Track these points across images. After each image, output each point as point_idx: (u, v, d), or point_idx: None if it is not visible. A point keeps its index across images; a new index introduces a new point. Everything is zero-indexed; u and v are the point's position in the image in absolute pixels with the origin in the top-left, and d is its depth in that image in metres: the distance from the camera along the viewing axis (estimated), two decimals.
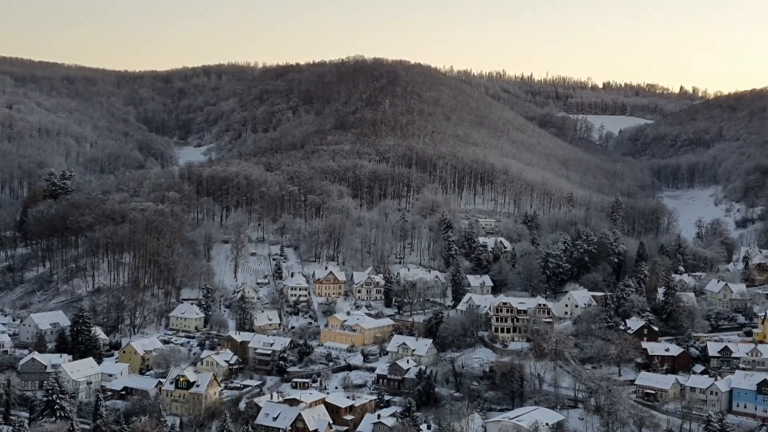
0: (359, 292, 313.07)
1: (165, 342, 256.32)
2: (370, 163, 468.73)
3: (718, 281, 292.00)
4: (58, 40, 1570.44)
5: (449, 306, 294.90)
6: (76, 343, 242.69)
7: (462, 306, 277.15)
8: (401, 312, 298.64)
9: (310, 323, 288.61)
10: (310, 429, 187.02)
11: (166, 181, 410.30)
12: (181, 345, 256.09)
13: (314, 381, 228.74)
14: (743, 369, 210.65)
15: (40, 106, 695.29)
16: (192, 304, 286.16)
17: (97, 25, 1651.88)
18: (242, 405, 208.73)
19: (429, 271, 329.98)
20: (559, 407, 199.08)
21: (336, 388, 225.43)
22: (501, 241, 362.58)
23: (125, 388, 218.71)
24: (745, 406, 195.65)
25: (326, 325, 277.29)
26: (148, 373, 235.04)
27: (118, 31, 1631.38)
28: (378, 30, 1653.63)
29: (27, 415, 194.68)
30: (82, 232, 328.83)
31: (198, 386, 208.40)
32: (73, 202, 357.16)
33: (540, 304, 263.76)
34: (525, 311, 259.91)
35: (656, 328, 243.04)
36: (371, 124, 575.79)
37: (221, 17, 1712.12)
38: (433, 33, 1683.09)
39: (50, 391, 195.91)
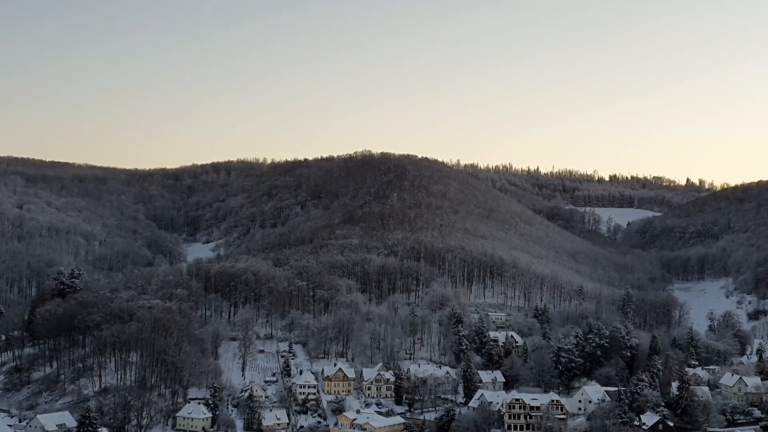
0: (369, 389, 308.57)
1: None
2: (378, 257, 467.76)
3: (732, 375, 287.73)
4: (69, 141, 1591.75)
5: (461, 403, 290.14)
6: None
7: (474, 403, 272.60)
8: (412, 409, 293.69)
9: (320, 422, 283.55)
10: None
11: (174, 279, 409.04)
12: None
13: None
14: None
15: (50, 206, 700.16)
16: (199, 403, 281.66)
17: (107, 125, 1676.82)
18: None
19: (440, 366, 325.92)
20: None
21: None
22: (512, 336, 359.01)
23: None
24: None
25: (336, 424, 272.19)
26: None
27: (128, 130, 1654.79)
28: (385, 125, 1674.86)
29: None
30: (90, 331, 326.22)
31: None
32: (81, 301, 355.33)
33: (553, 400, 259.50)
34: (538, 408, 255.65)
35: (671, 424, 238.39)
36: (379, 218, 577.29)
37: (230, 115, 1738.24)
38: (439, 128, 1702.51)
39: None
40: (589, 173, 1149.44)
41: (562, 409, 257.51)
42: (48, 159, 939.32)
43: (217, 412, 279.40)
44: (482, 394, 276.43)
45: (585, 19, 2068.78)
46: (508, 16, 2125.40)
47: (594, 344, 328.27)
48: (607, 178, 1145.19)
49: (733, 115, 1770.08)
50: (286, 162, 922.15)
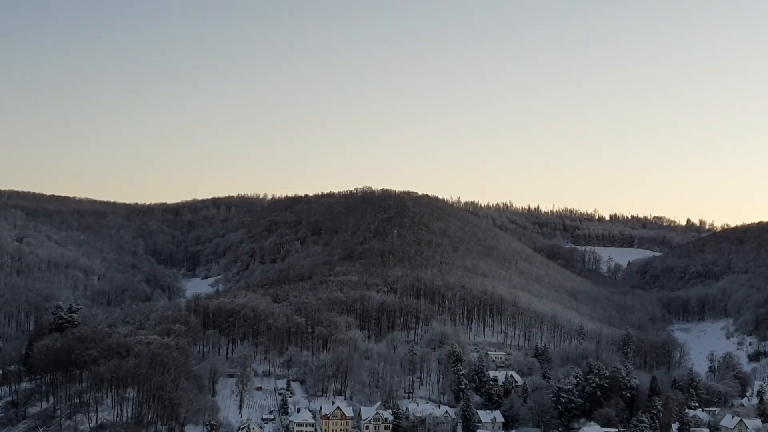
0: (367, 428, 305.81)
1: None
2: (378, 294, 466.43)
3: (733, 416, 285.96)
4: (70, 175, 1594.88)
5: None
6: None
7: None
8: None
9: None
10: None
11: (172, 314, 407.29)
12: None
13: None
14: None
15: (50, 240, 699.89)
16: None
17: (108, 159, 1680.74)
18: None
19: (438, 406, 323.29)
20: None
21: None
22: (512, 375, 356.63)
23: None
24: None
25: None
26: None
27: (129, 164, 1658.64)
28: (385, 162, 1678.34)
29: None
30: (87, 366, 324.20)
31: None
32: (78, 336, 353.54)
33: None
34: None
35: None
36: (379, 254, 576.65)
37: (231, 150, 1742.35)
38: (440, 165, 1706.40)
39: None
40: (589, 212, 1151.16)
41: None
42: (49, 193, 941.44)
43: None
44: None
45: (585, 61, 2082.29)
46: (509, 55, 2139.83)
47: (594, 384, 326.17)
48: (607, 218, 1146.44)
49: (733, 156, 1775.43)
50: (287, 198, 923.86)
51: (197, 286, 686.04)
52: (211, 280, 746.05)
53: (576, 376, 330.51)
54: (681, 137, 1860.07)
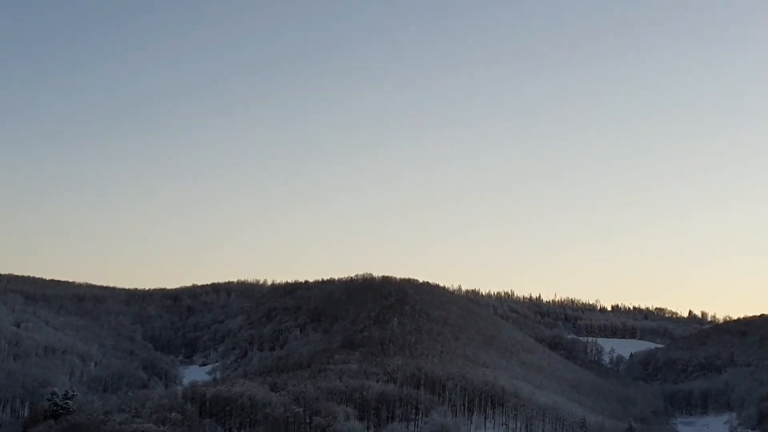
0: None
1: None
2: (377, 383, 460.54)
3: None
4: (69, 259, 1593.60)
5: None
6: None
7: None
8: None
9: None
10: None
11: (168, 402, 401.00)
12: None
13: None
14: None
15: (48, 324, 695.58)
16: None
17: (108, 244, 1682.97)
18: None
19: None
20: None
21: None
22: None
23: None
24: None
25: None
26: None
27: (129, 249, 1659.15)
28: (386, 248, 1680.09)
29: None
30: None
31: None
32: (73, 423, 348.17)
33: None
34: None
35: None
36: (379, 342, 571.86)
37: (231, 235, 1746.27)
38: (441, 252, 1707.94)
39: None
40: (591, 302, 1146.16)
41: None
42: (48, 277, 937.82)
43: None
44: None
45: (588, 154, 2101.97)
46: (511, 147, 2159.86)
47: None
48: (609, 308, 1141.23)
49: (735, 248, 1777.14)
50: (287, 284, 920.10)
51: (194, 374, 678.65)
52: (208, 367, 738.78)
53: None
54: (682, 228, 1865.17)
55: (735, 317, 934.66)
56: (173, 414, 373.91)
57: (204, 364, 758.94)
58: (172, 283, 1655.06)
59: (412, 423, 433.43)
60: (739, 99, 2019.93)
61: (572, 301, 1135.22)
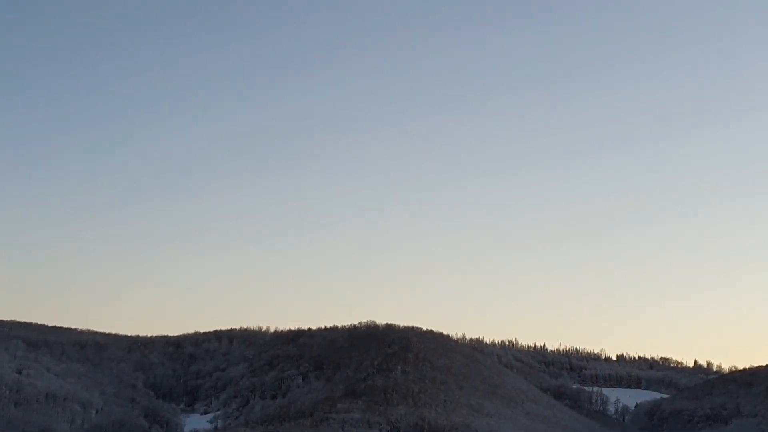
0: None
1: None
2: None
3: None
4: (72, 305, 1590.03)
5: None
6: None
7: None
8: None
9: None
10: None
11: None
12: None
13: None
14: None
15: (49, 371, 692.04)
16: None
17: (110, 291, 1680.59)
18: None
19: None
20: None
21: None
22: None
23: None
24: None
25: None
26: None
27: (131, 295, 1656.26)
28: (390, 295, 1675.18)
29: None
30: None
31: None
32: None
33: None
34: None
35: None
36: (382, 391, 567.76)
37: (234, 281, 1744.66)
38: (445, 300, 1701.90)
39: None
40: (596, 351, 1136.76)
41: None
42: (50, 324, 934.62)
43: None
44: None
45: (592, 205, 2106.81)
46: (514, 197, 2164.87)
47: None
48: (614, 358, 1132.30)
49: (740, 298, 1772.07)
50: (289, 331, 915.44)
51: (196, 422, 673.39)
52: (210, 416, 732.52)
53: None
54: (687, 277, 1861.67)
55: (741, 367, 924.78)
56: None
57: (206, 413, 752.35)
58: (174, 329, 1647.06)
59: None
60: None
61: (577, 351, 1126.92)
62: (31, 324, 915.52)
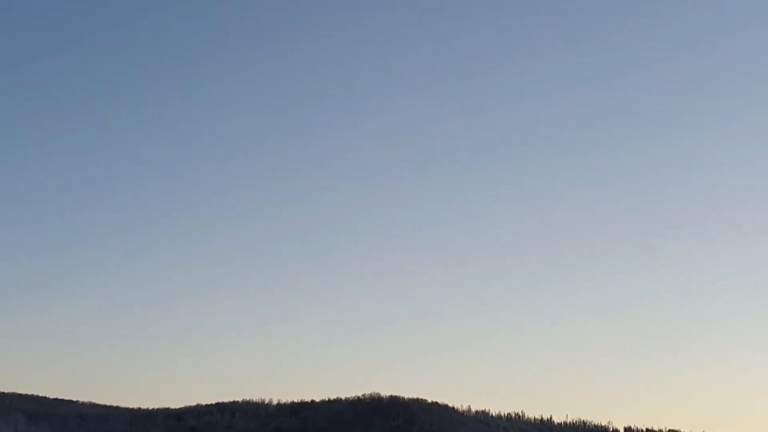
0: None
1: None
2: None
3: None
4: (72, 378, 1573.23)
5: None
6: None
7: None
8: None
9: None
10: None
11: None
12: None
13: None
14: None
15: None
16: None
17: (112, 363, 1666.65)
18: None
19: None
20: None
21: None
22: None
23: None
24: None
25: None
26: None
27: (132, 368, 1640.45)
28: (394, 366, 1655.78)
29: None
30: None
31: None
32: None
33: None
34: None
35: None
36: None
37: (236, 354, 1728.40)
38: (450, 371, 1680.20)
39: None
40: (603, 424, 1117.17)
41: None
42: (51, 396, 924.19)
43: None
44: None
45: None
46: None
47: None
48: (621, 429, 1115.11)
49: (749, 367, 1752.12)
50: (293, 403, 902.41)
51: None
52: None
53: None
54: (696, 348, 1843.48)
55: None
56: None
57: None
58: (176, 402, 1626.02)
59: None
60: None
61: (584, 423, 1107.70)
62: (31, 396, 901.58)
